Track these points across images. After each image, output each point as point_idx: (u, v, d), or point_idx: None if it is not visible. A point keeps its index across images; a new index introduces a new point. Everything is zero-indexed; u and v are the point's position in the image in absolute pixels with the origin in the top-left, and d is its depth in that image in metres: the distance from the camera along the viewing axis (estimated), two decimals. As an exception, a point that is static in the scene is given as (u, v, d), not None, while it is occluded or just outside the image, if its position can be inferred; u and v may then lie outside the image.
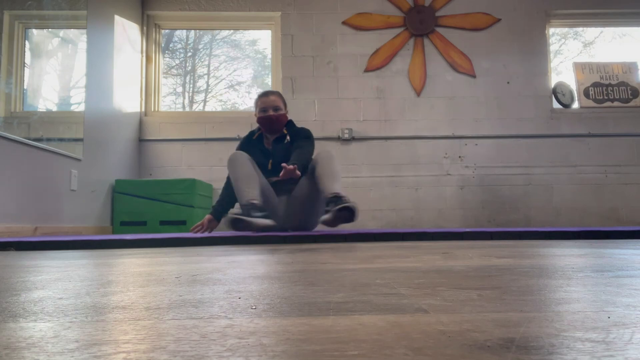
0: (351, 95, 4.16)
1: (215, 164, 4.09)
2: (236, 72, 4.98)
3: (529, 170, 4.11)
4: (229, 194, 2.67)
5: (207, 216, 2.64)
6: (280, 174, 2.37)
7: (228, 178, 2.67)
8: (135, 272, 0.90)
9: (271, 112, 2.69)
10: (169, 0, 4.24)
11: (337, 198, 2.33)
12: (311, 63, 4.18)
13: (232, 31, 4.73)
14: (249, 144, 2.78)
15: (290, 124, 2.81)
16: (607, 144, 4.14)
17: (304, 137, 2.73)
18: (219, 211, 2.67)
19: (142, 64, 4.24)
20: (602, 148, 4.14)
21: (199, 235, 2.14)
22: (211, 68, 5.12)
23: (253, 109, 2.80)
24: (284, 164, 2.35)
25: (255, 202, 2.35)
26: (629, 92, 4.24)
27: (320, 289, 0.63)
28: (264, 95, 2.75)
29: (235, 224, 2.23)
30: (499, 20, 4.22)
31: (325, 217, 2.32)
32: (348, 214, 2.26)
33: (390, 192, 4.06)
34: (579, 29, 4.76)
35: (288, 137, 2.75)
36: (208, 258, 1.19)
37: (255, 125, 2.78)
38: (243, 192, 2.41)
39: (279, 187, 2.66)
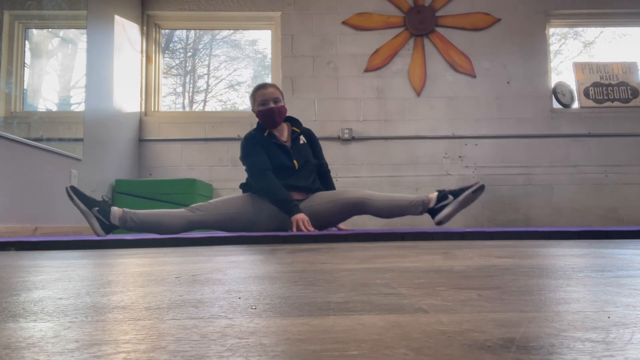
0: (351, 95, 4.16)
1: (215, 164, 4.09)
2: (236, 72, 4.99)
3: (529, 170, 4.11)
4: (275, 183, 2.47)
5: (298, 215, 2.37)
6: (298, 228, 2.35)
7: (256, 170, 2.50)
8: (135, 272, 0.90)
9: (272, 105, 2.56)
10: (169, 0, 4.24)
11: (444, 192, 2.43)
12: (311, 63, 4.18)
13: (232, 31, 4.73)
14: (264, 143, 2.58)
15: (295, 121, 2.76)
16: (607, 144, 4.14)
17: (318, 144, 2.74)
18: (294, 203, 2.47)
19: (142, 64, 4.24)
20: (602, 148, 4.14)
21: (309, 233, 2.11)
22: (211, 68, 5.12)
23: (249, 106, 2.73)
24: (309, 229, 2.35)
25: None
26: (629, 92, 4.24)
27: (320, 289, 0.63)
28: (262, 87, 2.62)
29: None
30: (499, 20, 4.22)
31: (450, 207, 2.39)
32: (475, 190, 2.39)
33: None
34: (579, 29, 4.76)
35: (303, 138, 2.68)
36: (208, 258, 1.19)
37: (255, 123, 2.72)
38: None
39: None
